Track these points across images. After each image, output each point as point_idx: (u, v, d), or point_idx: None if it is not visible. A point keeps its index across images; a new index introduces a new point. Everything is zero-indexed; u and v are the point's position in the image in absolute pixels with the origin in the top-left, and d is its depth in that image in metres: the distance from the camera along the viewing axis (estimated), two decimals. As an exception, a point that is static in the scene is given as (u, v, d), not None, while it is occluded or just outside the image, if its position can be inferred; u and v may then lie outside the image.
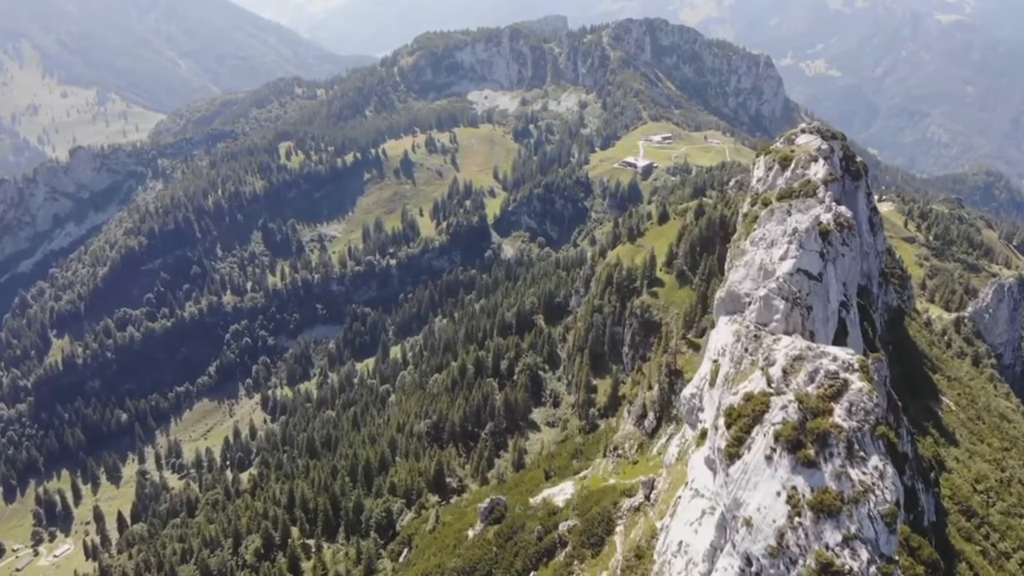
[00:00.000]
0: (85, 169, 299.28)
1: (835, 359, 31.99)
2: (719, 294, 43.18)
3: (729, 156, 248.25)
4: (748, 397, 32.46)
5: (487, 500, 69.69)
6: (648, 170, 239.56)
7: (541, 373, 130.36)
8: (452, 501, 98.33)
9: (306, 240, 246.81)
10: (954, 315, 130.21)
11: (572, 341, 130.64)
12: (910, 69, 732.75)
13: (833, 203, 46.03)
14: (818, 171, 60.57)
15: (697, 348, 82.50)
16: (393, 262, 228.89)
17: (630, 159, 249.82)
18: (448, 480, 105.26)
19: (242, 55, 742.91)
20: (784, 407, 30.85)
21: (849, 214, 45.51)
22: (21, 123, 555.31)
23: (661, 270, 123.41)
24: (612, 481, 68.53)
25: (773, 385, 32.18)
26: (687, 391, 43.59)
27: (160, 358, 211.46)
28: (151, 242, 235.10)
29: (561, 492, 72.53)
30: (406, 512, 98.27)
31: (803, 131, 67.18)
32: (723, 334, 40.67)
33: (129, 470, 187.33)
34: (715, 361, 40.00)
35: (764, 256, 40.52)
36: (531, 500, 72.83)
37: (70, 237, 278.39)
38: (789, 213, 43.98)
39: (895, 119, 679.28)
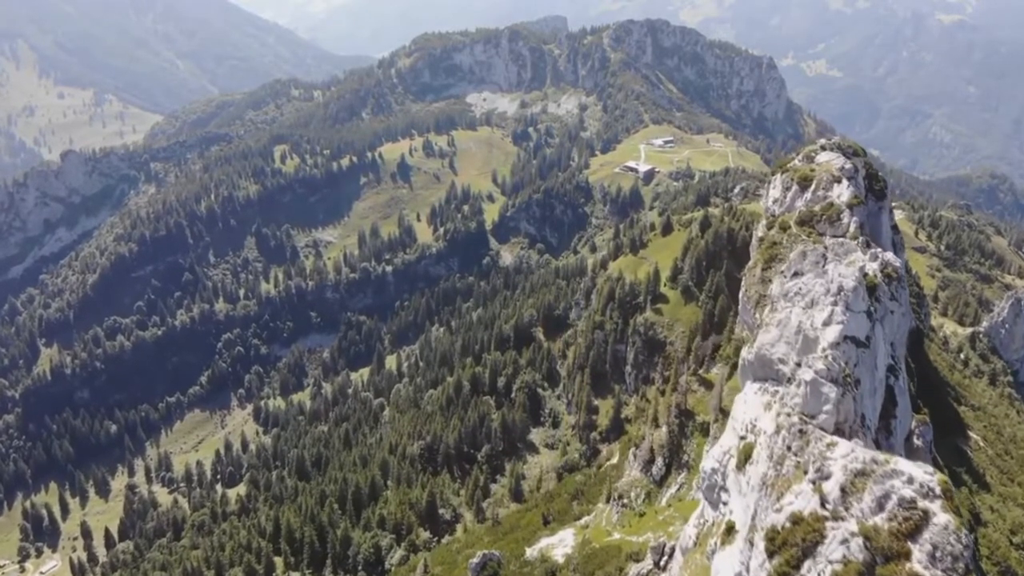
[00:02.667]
0: (76, 173, 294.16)
1: (910, 480, 25.63)
2: (746, 355, 37.68)
3: (732, 161, 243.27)
4: (796, 519, 26.81)
5: (479, 555, 64.31)
6: (650, 175, 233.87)
7: (540, 391, 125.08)
8: (444, 540, 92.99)
9: (300, 246, 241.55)
10: (969, 330, 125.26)
11: (572, 358, 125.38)
12: (912, 69, 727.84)
13: (878, 250, 40.24)
14: (842, 193, 55.58)
15: (709, 386, 77.34)
16: (389, 269, 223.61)
17: (631, 163, 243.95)
18: (441, 511, 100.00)
19: (240, 56, 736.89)
20: (845, 541, 25.00)
21: (898, 263, 39.91)
22: (17, 124, 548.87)
23: (665, 285, 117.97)
24: (617, 536, 63.07)
25: (828, 507, 26.23)
26: (707, 464, 38.07)
27: (150, 368, 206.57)
28: (142, 248, 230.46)
29: (561, 543, 67.12)
30: (396, 549, 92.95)
31: (823, 148, 62.08)
32: (752, 406, 35.14)
33: (118, 483, 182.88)
34: (743, 437, 34.60)
35: (803, 318, 34.84)
36: (527, 551, 67.28)
37: (61, 242, 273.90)
38: (825, 258, 38.24)
39: (897, 120, 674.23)
